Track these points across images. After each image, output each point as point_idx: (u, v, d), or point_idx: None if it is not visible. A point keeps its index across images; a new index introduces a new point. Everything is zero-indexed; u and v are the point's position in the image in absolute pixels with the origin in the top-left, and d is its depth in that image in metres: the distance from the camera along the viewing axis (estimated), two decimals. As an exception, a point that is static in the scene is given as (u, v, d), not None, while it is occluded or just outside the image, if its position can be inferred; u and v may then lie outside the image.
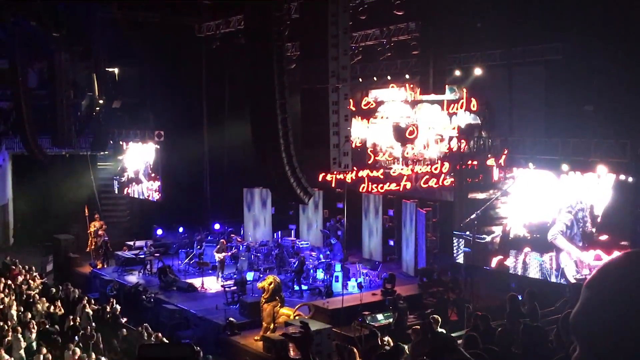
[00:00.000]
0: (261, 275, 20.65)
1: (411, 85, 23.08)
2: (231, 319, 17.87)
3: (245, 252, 23.19)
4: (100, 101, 31.09)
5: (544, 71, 19.27)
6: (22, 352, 14.76)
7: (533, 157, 17.41)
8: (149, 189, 29.33)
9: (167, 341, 15.76)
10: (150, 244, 24.11)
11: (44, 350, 13.88)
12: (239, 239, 24.63)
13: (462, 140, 20.98)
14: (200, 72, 27.77)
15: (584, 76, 17.79)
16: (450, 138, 21.54)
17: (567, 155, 16.58)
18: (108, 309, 18.28)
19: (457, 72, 20.97)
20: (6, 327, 15.21)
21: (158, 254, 23.75)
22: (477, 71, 20.73)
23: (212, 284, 21.71)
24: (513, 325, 9.08)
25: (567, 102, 18.17)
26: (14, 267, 23.11)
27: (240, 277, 20.49)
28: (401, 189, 23.78)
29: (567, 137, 16.94)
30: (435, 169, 22.54)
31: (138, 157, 29.96)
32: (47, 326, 16.19)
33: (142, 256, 23.69)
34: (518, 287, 16.72)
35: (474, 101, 21.54)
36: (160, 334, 16.75)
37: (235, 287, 19.92)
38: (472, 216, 18.81)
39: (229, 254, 23.11)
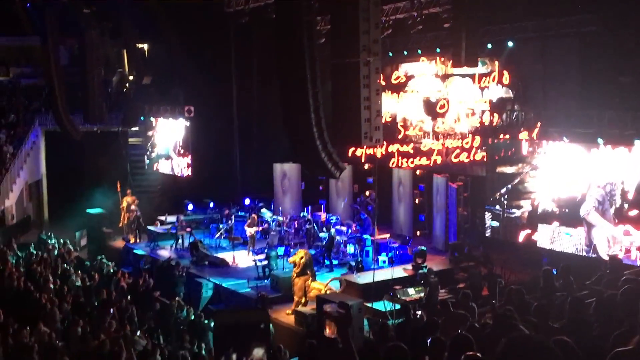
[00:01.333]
0: (292, 250, 20.75)
1: (442, 59, 22.83)
2: (263, 293, 18.03)
3: (275, 227, 23.30)
4: (131, 77, 31.33)
5: (579, 43, 18.92)
6: (58, 324, 15.05)
7: (567, 130, 17.17)
8: (179, 165, 29.53)
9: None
10: (181, 219, 24.32)
11: (80, 323, 14.11)
12: (269, 214, 24.73)
13: (494, 114, 20.75)
14: (230, 48, 27.75)
15: (620, 47, 17.45)
16: (482, 112, 21.31)
17: (602, 129, 16.31)
18: (141, 282, 18.53)
19: (489, 45, 20.67)
20: (43, 300, 15.49)
21: (189, 229, 23.97)
22: (510, 44, 20.41)
23: (243, 258, 21.88)
24: (548, 299, 9.04)
25: (602, 74, 17.84)
26: (49, 242, 23.52)
27: (270, 251, 20.61)
28: (431, 164, 23.63)
29: (602, 110, 16.65)
30: (466, 143, 22.34)
31: (168, 133, 30.15)
32: (82, 299, 16.46)
33: (174, 231, 23.93)
34: (550, 261, 16.58)
35: (506, 74, 21.25)
36: (192, 308, 16.99)
37: (266, 262, 20.05)
38: (502, 190, 18.67)
39: (260, 228, 23.24)
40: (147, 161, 31.12)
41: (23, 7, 28.62)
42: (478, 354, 4.99)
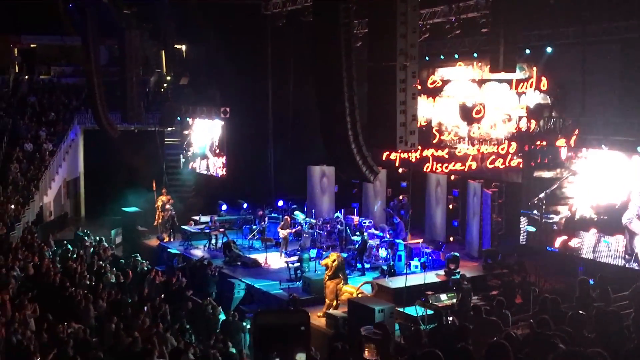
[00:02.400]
0: (324, 253, 20.75)
1: (479, 64, 22.66)
2: (294, 294, 18.06)
3: (308, 229, 23.33)
4: (168, 78, 31.71)
5: (620, 49, 18.62)
6: (92, 320, 15.25)
7: (606, 137, 16.90)
8: (214, 165, 29.75)
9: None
10: (215, 219, 24.49)
11: (114, 319, 14.28)
12: (302, 216, 24.78)
13: (531, 120, 20.51)
14: (266, 50, 27.87)
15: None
16: (519, 118, 21.10)
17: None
18: (174, 281, 18.70)
19: (528, 51, 20.46)
20: (78, 296, 15.72)
21: (223, 229, 24.12)
22: (549, 49, 20.17)
23: (275, 260, 21.95)
24: (584, 310, 8.90)
25: (643, 82, 17.56)
26: (85, 238, 23.87)
27: (303, 253, 20.65)
28: (466, 169, 23.49)
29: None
30: (502, 149, 22.16)
31: (204, 133, 30.40)
32: (117, 296, 16.66)
33: (207, 231, 24.11)
34: (585, 270, 16.35)
35: (544, 80, 21.02)
36: (222, 307, 17.08)
37: (298, 264, 20.09)
38: (541, 195, 18.44)
39: (293, 230, 23.30)
40: (182, 160, 31.38)
41: (65, 8, 29.13)
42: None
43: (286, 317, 3.02)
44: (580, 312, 8.05)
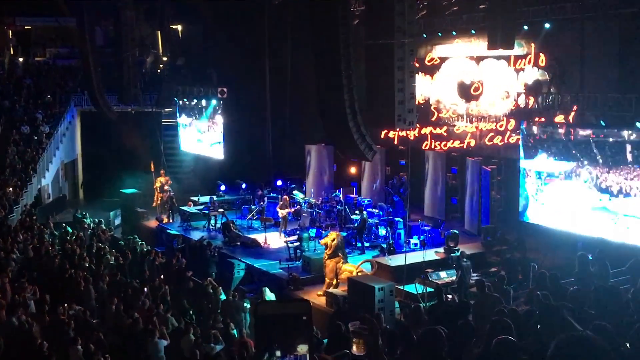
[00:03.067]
0: (323, 232, 20.78)
1: (477, 41, 22.52)
2: (294, 274, 18.10)
3: (307, 209, 23.34)
4: (165, 59, 31.56)
5: (618, 25, 18.48)
6: (93, 302, 15.30)
7: (604, 113, 16.84)
8: (212, 146, 29.65)
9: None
10: (214, 200, 24.49)
11: (115, 301, 14.32)
12: (301, 196, 24.79)
13: (530, 97, 20.43)
14: (263, 29, 27.71)
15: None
16: (517, 95, 21.02)
17: (641, 112, 15.96)
18: (174, 262, 18.73)
19: (526, 27, 20.32)
20: (78, 278, 15.75)
21: (222, 210, 24.12)
22: (547, 25, 20.04)
23: (275, 239, 21.98)
24: (583, 285, 8.93)
25: (642, 57, 17.46)
26: (84, 220, 23.88)
27: (302, 233, 20.67)
28: (465, 147, 23.45)
29: (642, 94, 16.30)
30: (501, 126, 22.09)
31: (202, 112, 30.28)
32: (117, 278, 16.70)
33: (207, 211, 24.12)
34: (584, 246, 16.36)
35: (542, 56, 20.89)
36: (223, 287, 17.11)
37: (298, 243, 20.12)
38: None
39: (292, 210, 23.30)
40: (180, 141, 31.28)
41: (60, -12, 28.92)
42: (511, 338, 4.95)
43: (287, 307, 2.98)
44: (579, 288, 8.07)
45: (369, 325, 7.49)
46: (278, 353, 2.81)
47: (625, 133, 15.66)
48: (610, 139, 15.91)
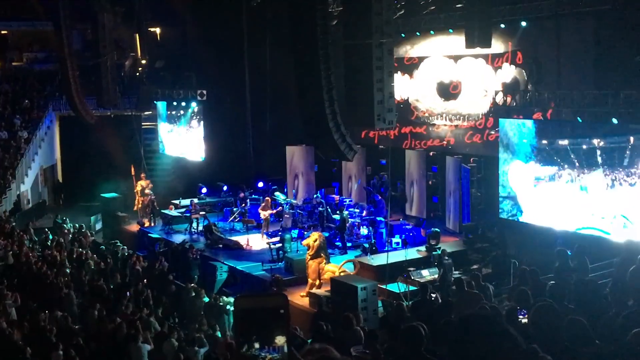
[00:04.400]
0: (305, 233, 20.80)
1: (455, 40, 22.65)
2: (277, 275, 18.10)
3: (289, 210, 23.34)
4: (143, 61, 31.40)
5: (593, 22, 18.68)
6: (75, 307, 15.22)
7: (582, 109, 17.02)
8: (193, 149, 29.55)
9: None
10: (195, 203, 24.42)
11: (97, 306, 14.25)
12: (282, 197, 24.79)
13: (507, 95, 20.60)
14: (242, 30, 27.66)
15: (635, 26, 17.21)
16: (495, 92, 21.18)
17: (617, 108, 16.16)
18: (156, 266, 18.67)
19: (503, 25, 20.49)
20: (59, 284, 15.66)
21: (203, 212, 24.06)
22: (523, 23, 20.22)
23: (257, 241, 21.97)
24: (563, 280, 9.02)
25: (617, 54, 17.64)
26: (64, 226, 23.72)
27: (284, 234, 20.68)
28: (445, 145, 23.60)
29: (617, 90, 16.49)
30: (479, 124, 22.26)
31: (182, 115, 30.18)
32: (99, 283, 16.61)
33: (188, 214, 24.04)
34: (564, 241, 16.53)
35: (519, 54, 21.09)
36: (206, 290, 17.09)
37: (280, 244, 20.12)
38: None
39: (274, 211, 23.30)
40: (160, 144, 31.16)
41: (36, -8, 28.70)
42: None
43: (265, 301, 3.04)
44: (558, 282, 8.16)
45: (372, 350, 7.57)
46: (257, 345, 2.87)
47: (595, 141, 16.72)
48: (584, 146, 16.97)
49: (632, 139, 15.82)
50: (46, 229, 23.70)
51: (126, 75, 32.83)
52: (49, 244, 21.01)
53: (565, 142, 17.29)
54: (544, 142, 17.88)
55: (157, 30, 33.76)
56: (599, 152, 16.69)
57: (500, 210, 19.29)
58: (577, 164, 16.98)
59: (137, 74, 31.86)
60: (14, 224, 23.81)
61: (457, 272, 16.58)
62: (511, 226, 19.11)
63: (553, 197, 17.73)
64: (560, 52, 19.38)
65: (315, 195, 24.18)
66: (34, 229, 23.87)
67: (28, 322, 13.11)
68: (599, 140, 16.67)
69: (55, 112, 32.91)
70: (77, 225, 24.18)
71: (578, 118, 16.94)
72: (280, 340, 2.93)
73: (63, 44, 25.56)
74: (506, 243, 18.52)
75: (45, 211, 30.55)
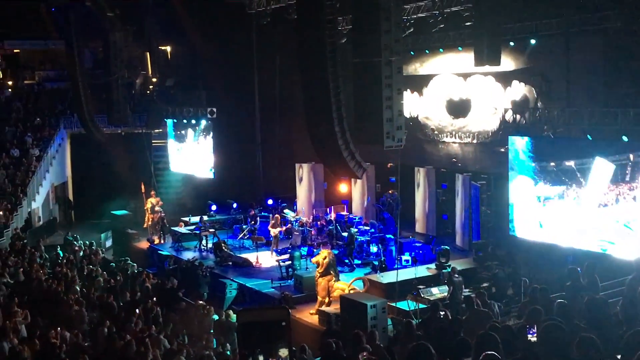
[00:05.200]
0: (315, 250, 20.78)
1: (464, 57, 22.72)
2: (286, 292, 18.09)
3: (298, 227, 23.35)
4: (154, 80, 31.61)
5: (602, 39, 18.71)
6: (85, 325, 15.21)
7: (591, 127, 17.01)
8: (203, 166, 29.65)
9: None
10: (205, 220, 24.47)
11: (107, 323, 14.25)
12: (292, 214, 24.80)
13: (517, 112, 20.59)
14: (251, 49, 27.86)
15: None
16: (505, 110, 21.19)
17: (627, 126, 16.14)
18: (166, 283, 18.66)
19: (512, 43, 20.54)
20: (70, 301, 15.67)
21: (213, 230, 24.11)
22: (532, 41, 20.26)
23: (266, 258, 21.96)
24: (575, 299, 8.98)
25: (626, 71, 17.65)
26: (75, 243, 23.79)
27: (294, 251, 20.67)
28: (455, 162, 23.58)
29: (627, 107, 16.47)
30: (489, 141, 22.24)
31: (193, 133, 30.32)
32: (109, 300, 16.61)
33: (198, 232, 24.08)
34: (574, 260, 16.45)
35: (528, 72, 21.11)
36: (214, 307, 17.06)
37: (289, 262, 20.11)
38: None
39: (283, 229, 23.31)
40: (170, 162, 31.26)
41: (48, 12, 29.02)
42: (495, 354, 4.98)
43: (267, 314, 3.08)
44: (567, 301, 8.12)
45: (379, 355, 7.54)
46: (261, 357, 2.90)
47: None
48: (590, 165, 16.90)
49: (631, 156, 15.85)
50: (57, 246, 23.80)
51: (137, 94, 33.01)
52: (59, 261, 21.06)
53: (571, 162, 17.36)
54: (551, 161, 17.89)
55: (168, 48, 34.01)
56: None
57: (510, 228, 19.21)
58: (583, 182, 16.97)
59: (148, 92, 32.06)
60: (25, 241, 23.89)
61: (467, 290, 16.52)
62: (521, 244, 19.03)
63: (561, 214, 17.68)
64: (570, 70, 19.39)
65: (325, 213, 24.20)
66: (44, 246, 23.94)
67: (38, 339, 13.12)
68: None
69: (67, 130, 33.14)
70: (87, 242, 24.24)
71: (588, 136, 16.92)
72: (283, 352, 2.96)
73: (74, 63, 25.79)
74: (516, 261, 18.42)
75: (56, 228, 30.67)
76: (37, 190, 29.92)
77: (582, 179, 17.02)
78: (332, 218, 23.42)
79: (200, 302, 17.14)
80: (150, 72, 31.66)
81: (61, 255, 22.19)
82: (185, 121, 29.04)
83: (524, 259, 18.31)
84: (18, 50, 39.75)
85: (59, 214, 32.75)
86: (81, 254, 22.48)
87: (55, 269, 19.91)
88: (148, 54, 30.21)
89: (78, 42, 25.75)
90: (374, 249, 21.07)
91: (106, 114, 28.11)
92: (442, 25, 21.02)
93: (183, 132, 29.62)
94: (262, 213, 25.28)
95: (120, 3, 25.96)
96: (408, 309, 16.05)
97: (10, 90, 37.80)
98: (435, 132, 24.63)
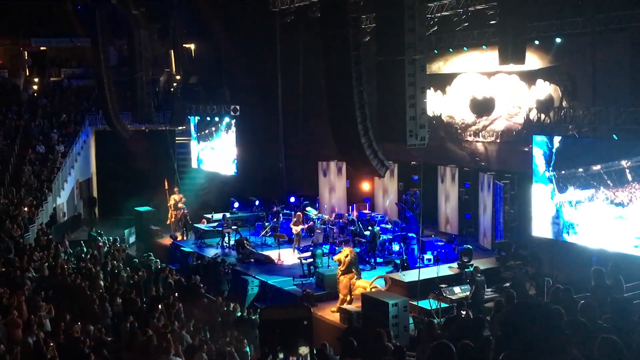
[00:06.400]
0: (337, 248, 20.79)
1: (488, 56, 22.59)
2: (308, 290, 18.11)
3: (320, 225, 23.37)
4: (178, 77, 31.82)
5: (629, 38, 18.50)
6: (108, 320, 15.37)
7: (617, 127, 16.83)
8: (226, 163, 29.81)
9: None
10: (227, 217, 24.58)
11: (130, 318, 14.37)
12: (314, 212, 24.82)
13: (542, 111, 20.43)
14: (275, 46, 27.91)
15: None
16: (529, 109, 21.03)
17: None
18: (188, 279, 18.78)
19: (537, 41, 20.38)
20: (94, 296, 15.83)
21: (235, 227, 24.20)
22: (558, 40, 20.09)
23: (288, 256, 22.01)
24: (599, 299, 8.90)
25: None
26: (99, 239, 24.02)
27: (315, 249, 20.69)
28: (478, 161, 23.46)
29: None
30: (513, 140, 22.08)
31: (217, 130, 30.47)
32: (132, 295, 16.76)
33: (220, 229, 24.19)
34: (599, 260, 16.29)
35: (554, 70, 20.92)
36: (238, 305, 17.15)
37: (311, 260, 20.13)
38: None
39: (305, 226, 23.34)
40: (198, 159, 31.43)
41: (74, 10, 29.31)
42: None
43: (289, 312, 3.09)
44: (591, 301, 8.05)
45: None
46: (281, 355, 2.91)
47: (623, 162, 16.79)
48: (614, 168, 17.01)
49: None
50: (81, 242, 24.05)
51: (161, 91, 33.29)
52: (83, 256, 21.28)
53: (598, 167, 17.41)
54: (580, 167, 17.86)
55: (192, 46, 34.22)
56: (627, 171, 16.77)
57: (533, 228, 19.06)
58: (610, 184, 16.87)
59: (172, 89, 32.29)
60: (50, 236, 24.17)
61: (489, 289, 16.44)
62: (544, 244, 18.89)
63: (589, 216, 17.56)
64: (596, 69, 19.20)
65: (347, 212, 24.19)
66: (69, 241, 24.21)
67: (63, 333, 13.27)
68: (627, 160, 16.74)
69: (92, 126, 33.48)
70: (111, 238, 24.47)
71: (614, 135, 16.75)
72: (304, 351, 2.98)
73: (100, 60, 26.02)
74: (540, 261, 18.29)
75: (80, 224, 30.98)
76: (62, 186, 30.25)
77: (609, 181, 16.94)
78: (355, 216, 23.40)
79: (221, 298, 17.22)
80: (174, 70, 31.90)
81: (85, 250, 22.42)
82: (208, 119, 29.20)
83: (548, 259, 18.18)
84: (45, 48, 40.26)
85: (83, 210, 33.08)
86: (105, 249, 22.70)
87: (79, 264, 20.13)
88: (172, 51, 30.41)
89: (103, 39, 25.97)
90: (396, 247, 21.02)
91: (130, 111, 28.34)
92: (466, 24, 20.93)
93: (207, 127, 29.77)
94: (285, 211, 25.33)
95: (146, 1, 26.15)
96: (430, 308, 16.00)
97: (37, 87, 38.27)
98: (459, 131, 24.52)
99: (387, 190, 25.80)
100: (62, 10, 31.30)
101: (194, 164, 31.16)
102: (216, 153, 29.93)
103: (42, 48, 40.31)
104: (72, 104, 35.32)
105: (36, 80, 38.96)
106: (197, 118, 30.14)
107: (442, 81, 24.68)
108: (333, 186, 26.63)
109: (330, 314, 17.07)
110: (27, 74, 39.46)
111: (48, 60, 40.10)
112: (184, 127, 31.78)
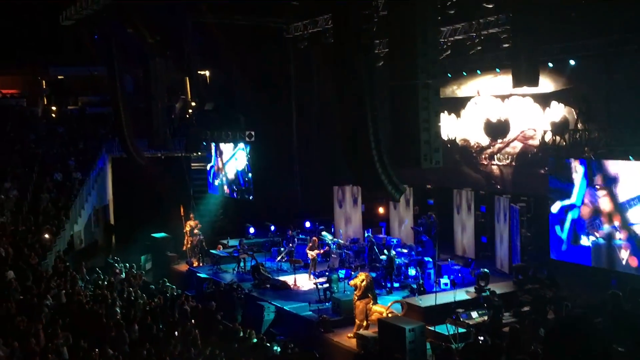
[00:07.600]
0: (353, 273, 20.71)
1: (502, 79, 22.61)
2: (324, 316, 18.03)
3: (336, 250, 23.32)
4: (193, 104, 32.05)
5: (643, 59, 18.47)
6: (126, 347, 15.37)
7: (633, 148, 16.73)
8: (241, 189, 29.90)
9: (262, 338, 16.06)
10: (243, 243, 24.59)
11: (146, 345, 14.37)
12: (330, 237, 24.81)
13: (556, 134, 20.38)
14: (289, 72, 28.12)
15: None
16: (544, 132, 20.97)
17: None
18: (204, 305, 18.76)
19: (550, 64, 20.37)
20: (110, 323, 15.86)
21: (251, 252, 24.20)
22: (572, 62, 20.07)
23: (304, 281, 21.95)
24: (615, 323, 8.80)
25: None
26: (116, 266, 24.10)
27: (331, 274, 20.62)
28: (493, 184, 23.37)
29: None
30: (528, 163, 21.99)
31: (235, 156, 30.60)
32: (148, 322, 16.76)
33: (236, 254, 24.20)
34: (618, 283, 16.14)
35: (568, 93, 20.88)
36: (254, 331, 17.11)
37: (327, 285, 20.06)
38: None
39: (321, 251, 23.30)
40: (216, 184, 31.47)
41: (90, 39, 29.65)
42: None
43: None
44: (609, 325, 7.96)
45: None
46: None
47: None
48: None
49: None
50: (98, 269, 24.12)
51: (176, 118, 33.50)
52: (100, 283, 21.34)
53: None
54: (595, 181, 17.66)
55: (207, 73, 34.51)
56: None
57: (552, 251, 18.93)
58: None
59: (187, 116, 32.52)
60: (67, 263, 24.27)
61: (507, 313, 16.29)
62: (563, 267, 18.73)
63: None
64: (610, 90, 19.14)
65: (363, 236, 24.12)
66: (86, 268, 24.30)
67: (79, 361, 13.29)
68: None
69: (108, 153, 33.73)
70: (127, 265, 24.54)
71: (630, 157, 16.65)
72: None
73: (116, 88, 26.24)
74: (558, 284, 18.12)
75: (97, 251, 31.08)
76: (79, 213, 30.40)
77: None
78: (370, 240, 23.33)
79: (237, 324, 17.19)
80: (189, 97, 32.11)
81: (102, 277, 22.49)
82: (223, 145, 29.33)
83: (566, 283, 18.00)
84: (62, 77, 40.78)
85: (100, 237, 33.22)
86: (122, 276, 22.76)
87: (96, 291, 20.18)
88: (187, 78, 30.62)
89: (119, 68, 26.22)
90: (412, 271, 20.90)
91: (146, 138, 28.50)
92: (479, 48, 20.97)
93: (223, 154, 29.90)
94: (300, 235, 25.31)
95: (161, 30, 26.41)
96: (447, 333, 15.87)
97: (54, 115, 38.70)
98: (474, 154, 24.47)
99: (402, 214, 25.73)
100: (79, 39, 31.70)
101: (211, 190, 31.23)
102: (231, 178, 30.05)
103: (59, 77, 40.84)
104: (89, 132, 35.66)
105: (54, 108, 39.41)
106: (213, 144, 30.24)
107: (456, 105, 24.70)
108: (348, 211, 26.63)
109: (347, 339, 16.97)
110: (45, 102, 39.93)
111: (65, 88, 40.59)
112: (200, 153, 31.93)
